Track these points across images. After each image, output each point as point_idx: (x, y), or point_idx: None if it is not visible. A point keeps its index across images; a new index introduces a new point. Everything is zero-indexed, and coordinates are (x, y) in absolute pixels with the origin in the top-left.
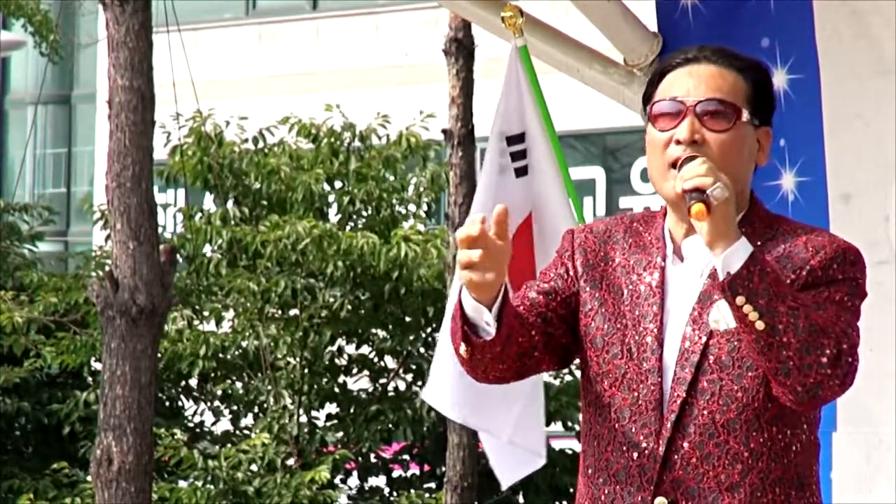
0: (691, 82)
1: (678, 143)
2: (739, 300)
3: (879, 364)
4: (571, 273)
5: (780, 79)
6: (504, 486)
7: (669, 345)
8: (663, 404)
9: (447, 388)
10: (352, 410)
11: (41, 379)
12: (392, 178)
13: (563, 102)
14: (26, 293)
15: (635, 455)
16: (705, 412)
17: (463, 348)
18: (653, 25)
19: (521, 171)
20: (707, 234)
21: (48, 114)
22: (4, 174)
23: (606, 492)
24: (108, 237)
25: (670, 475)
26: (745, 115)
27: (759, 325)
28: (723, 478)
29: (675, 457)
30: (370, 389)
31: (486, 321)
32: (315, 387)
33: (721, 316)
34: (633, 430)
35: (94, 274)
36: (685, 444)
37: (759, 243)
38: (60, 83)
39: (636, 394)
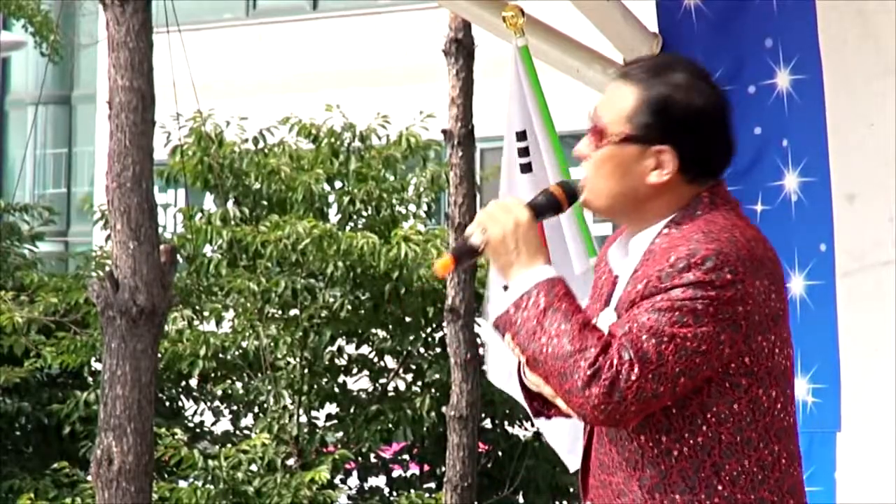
0: (602, 99)
1: None
2: (506, 337)
3: (883, 364)
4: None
5: (783, 79)
6: (571, 469)
7: None
8: None
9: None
10: (352, 410)
11: (41, 379)
12: (392, 178)
13: (563, 102)
14: (27, 293)
15: (581, 464)
16: None
17: (541, 421)
18: (652, 25)
19: (526, 168)
20: (496, 270)
21: (48, 114)
22: (5, 174)
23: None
24: (108, 237)
25: (590, 482)
26: (614, 137)
27: (522, 357)
28: (614, 484)
29: (590, 464)
30: (370, 389)
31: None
32: (315, 387)
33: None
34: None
35: (94, 274)
36: (592, 454)
37: (654, 247)
38: (61, 83)
39: None
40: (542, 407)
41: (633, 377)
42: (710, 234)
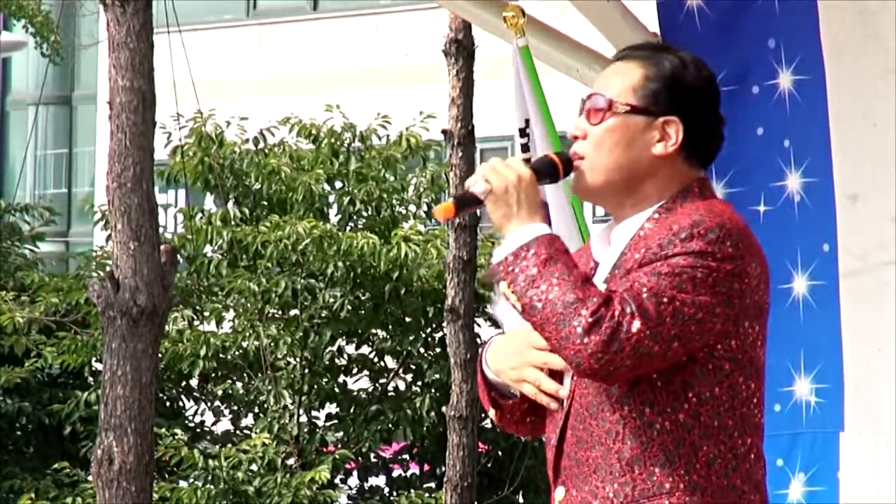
0: (598, 82)
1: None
2: (502, 285)
3: (886, 364)
4: None
5: (785, 80)
6: None
7: None
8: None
9: None
10: (352, 410)
11: (42, 379)
12: (392, 178)
13: (563, 102)
14: (27, 293)
15: (549, 453)
16: (579, 397)
17: (493, 413)
18: (653, 26)
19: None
20: (494, 222)
21: (49, 114)
22: (5, 175)
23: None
24: (108, 237)
25: (562, 464)
26: (621, 107)
27: (518, 305)
28: (591, 460)
29: (564, 445)
30: (370, 389)
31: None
32: (315, 387)
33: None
34: (551, 428)
35: (94, 274)
36: (568, 432)
37: (642, 233)
38: (61, 84)
39: (568, 388)
40: (500, 397)
41: (635, 329)
42: (711, 211)
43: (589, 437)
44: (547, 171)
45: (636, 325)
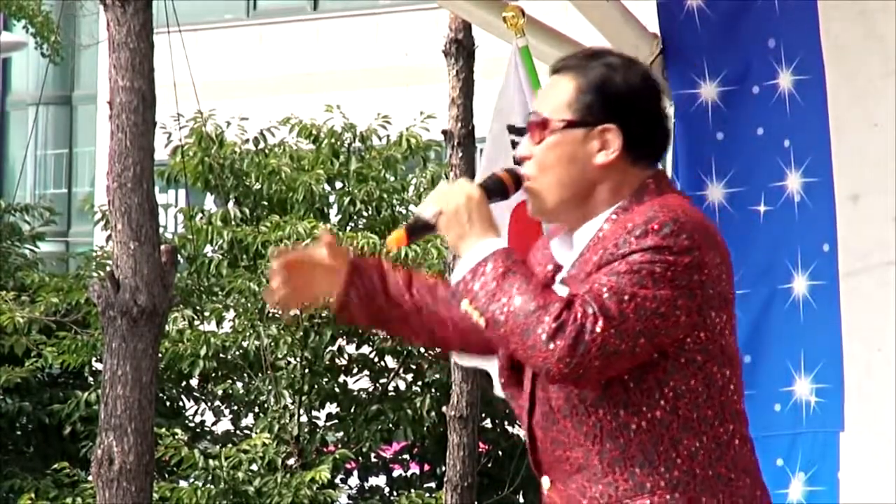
0: (536, 99)
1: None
2: (464, 303)
3: (886, 364)
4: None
5: (785, 80)
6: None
7: None
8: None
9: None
10: (352, 410)
11: (42, 379)
12: (392, 178)
13: None
14: (27, 293)
15: (528, 441)
16: (545, 400)
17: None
18: (653, 26)
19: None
20: (449, 244)
21: (49, 114)
22: (6, 175)
23: None
24: (108, 237)
25: (541, 458)
26: (557, 124)
27: (482, 321)
28: (572, 460)
29: (538, 444)
30: (370, 389)
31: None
32: (315, 387)
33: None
34: (523, 419)
35: (95, 274)
36: (539, 432)
37: (601, 234)
38: (61, 84)
39: (524, 389)
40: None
41: (598, 329)
42: (665, 206)
43: (566, 438)
44: (497, 189)
45: (599, 324)
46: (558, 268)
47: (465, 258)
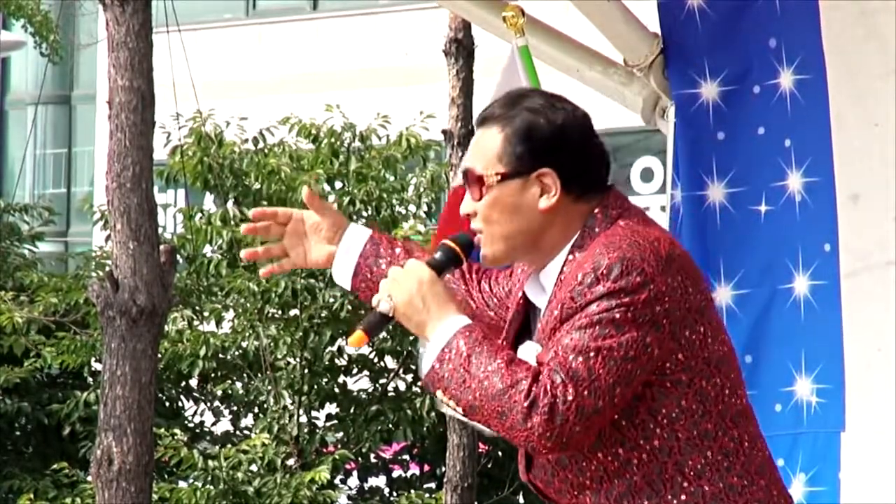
0: (468, 153)
1: None
2: (438, 394)
3: (887, 364)
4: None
5: (786, 79)
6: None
7: None
8: None
9: None
10: (352, 410)
11: (41, 379)
12: (392, 178)
13: None
14: (26, 293)
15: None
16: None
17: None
18: (653, 26)
19: None
20: (414, 332)
21: (48, 114)
22: (4, 174)
23: None
24: (108, 237)
25: (551, 495)
26: (492, 178)
27: (458, 410)
28: (581, 501)
29: (540, 486)
30: (370, 389)
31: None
32: (315, 387)
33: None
34: (522, 472)
35: (94, 274)
36: (539, 483)
37: (563, 277)
38: (60, 83)
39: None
40: None
41: (570, 396)
42: (610, 244)
43: (569, 487)
44: (448, 260)
45: (570, 392)
46: (536, 310)
47: (429, 347)
